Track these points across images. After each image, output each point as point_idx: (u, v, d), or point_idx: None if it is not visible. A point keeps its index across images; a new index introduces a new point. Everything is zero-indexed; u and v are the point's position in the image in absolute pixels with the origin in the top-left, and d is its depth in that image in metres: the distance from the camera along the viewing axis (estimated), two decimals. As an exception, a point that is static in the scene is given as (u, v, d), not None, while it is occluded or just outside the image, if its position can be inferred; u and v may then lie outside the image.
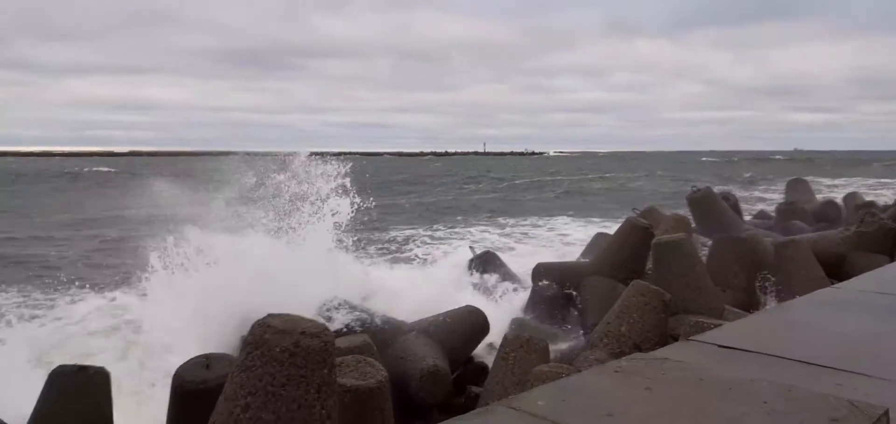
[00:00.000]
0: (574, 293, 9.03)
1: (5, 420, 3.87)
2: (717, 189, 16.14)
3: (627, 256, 8.96)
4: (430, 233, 21.55)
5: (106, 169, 76.12)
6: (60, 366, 4.92)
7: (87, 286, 10.77)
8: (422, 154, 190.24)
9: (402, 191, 45.33)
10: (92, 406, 4.80)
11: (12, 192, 45.12)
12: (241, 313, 5.97)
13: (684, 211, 13.82)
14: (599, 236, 12.31)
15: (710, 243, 9.88)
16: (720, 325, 4.97)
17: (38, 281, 12.49)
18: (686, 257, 6.94)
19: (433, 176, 65.32)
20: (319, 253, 8.78)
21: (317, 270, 8.20)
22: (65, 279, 11.49)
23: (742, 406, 2.76)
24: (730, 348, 3.91)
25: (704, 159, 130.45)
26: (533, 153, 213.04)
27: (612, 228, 14.88)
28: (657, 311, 5.91)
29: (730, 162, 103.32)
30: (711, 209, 12.95)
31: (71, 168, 78.78)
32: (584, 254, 12.02)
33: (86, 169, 75.79)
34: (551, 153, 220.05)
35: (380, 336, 6.98)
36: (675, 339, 5.27)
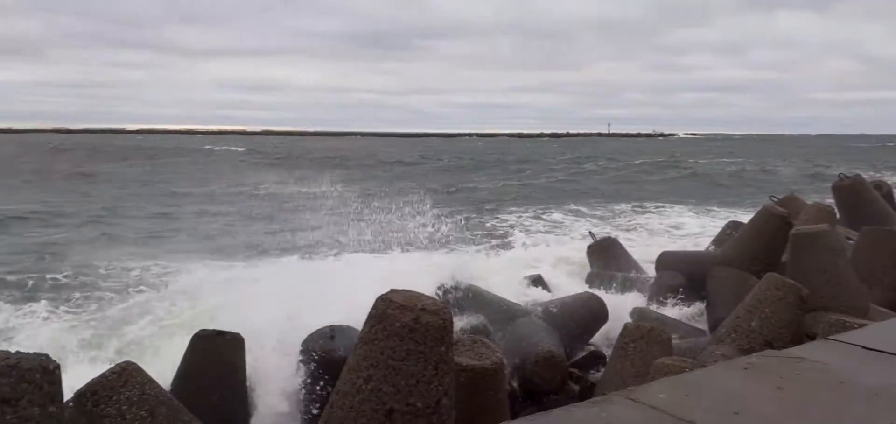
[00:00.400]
0: (700, 284, 8.62)
1: (152, 376, 4.26)
2: (867, 177, 14.78)
3: (762, 247, 8.43)
4: (540, 217, 21.19)
5: (235, 148, 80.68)
6: (201, 330, 5.33)
7: (224, 256, 11.53)
8: (541, 135, 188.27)
9: (514, 171, 44.83)
10: (228, 367, 5.18)
11: (159, 165, 49.62)
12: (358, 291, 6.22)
13: (829, 200, 12.79)
14: (731, 224, 11.65)
15: (856, 236, 9.10)
16: (865, 325, 4.57)
17: (182, 252, 13.55)
18: (828, 251, 6.42)
19: (547, 157, 64.05)
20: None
21: (430, 256, 8.38)
22: (203, 250, 12.36)
23: (889, 414, 2.53)
24: (877, 351, 3.58)
25: (855, 143, 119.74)
26: (661, 135, 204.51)
27: (738, 216, 14.06)
28: (793, 307, 5.52)
29: (884, 147, 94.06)
30: (860, 199, 11.87)
31: (207, 146, 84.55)
32: (714, 243, 11.44)
33: (216, 148, 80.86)
34: (681, 135, 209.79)
35: (495, 318, 7.02)
36: (812, 338, 4.91)
